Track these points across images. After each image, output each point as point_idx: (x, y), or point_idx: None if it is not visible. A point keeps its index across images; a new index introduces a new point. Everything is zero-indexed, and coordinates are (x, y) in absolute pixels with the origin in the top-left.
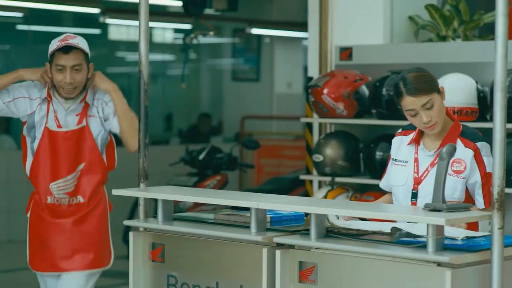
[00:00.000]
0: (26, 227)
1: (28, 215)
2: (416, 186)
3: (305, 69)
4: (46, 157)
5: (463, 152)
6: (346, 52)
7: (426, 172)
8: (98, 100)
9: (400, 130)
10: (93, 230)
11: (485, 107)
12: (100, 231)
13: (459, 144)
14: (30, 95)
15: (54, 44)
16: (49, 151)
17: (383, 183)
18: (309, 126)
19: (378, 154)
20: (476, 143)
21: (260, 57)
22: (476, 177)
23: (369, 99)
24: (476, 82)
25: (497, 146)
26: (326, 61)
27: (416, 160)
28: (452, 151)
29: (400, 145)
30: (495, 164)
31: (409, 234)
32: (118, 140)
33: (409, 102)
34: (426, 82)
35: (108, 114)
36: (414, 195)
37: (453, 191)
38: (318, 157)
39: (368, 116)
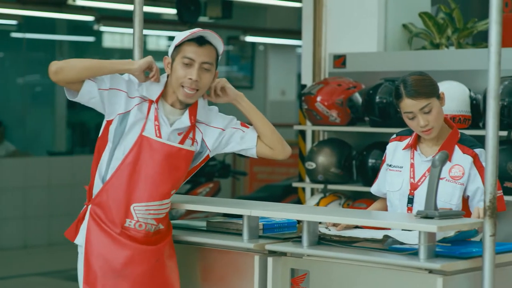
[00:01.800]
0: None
1: (78, 241)
2: (412, 191)
3: (299, 77)
4: (136, 170)
5: (462, 158)
6: (339, 60)
7: (424, 177)
8: (204, 126)
9: (394, 136)
10: (175, 264)
11: (478, 114)
12: (176, 265)
13: (457, 150)
14: (129, 91)
15: (184, 34)
16: (143, 164)
17: (374, 188)
18: (302, 133)
19: (371, 161)
20: (475, 150)
21: (254, 65)
22: (478, 184)
23: (362, 106)
24: (469, 90)
25: (490, 153)
26: (319, 68)
27: (412, 165)
28: (445, 158)
29: (395, 151)
30: (488, 172)
31: (397, 241)
32: None
33: (408, 104)
34: (426, 86)
35: (231, 137)
36: (410, 201)
37: (451, 197)
38: (311, 165)
39: (361, 123)
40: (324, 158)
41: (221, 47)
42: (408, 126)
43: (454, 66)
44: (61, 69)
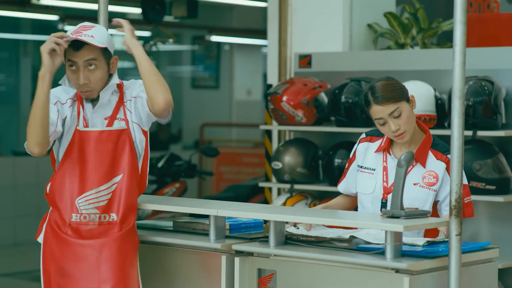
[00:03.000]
0: (39, 251)
1: (40, 240)
2: (385, 195)
3: (265, 77)
4: (74, 165)
5: (435, 165)
6: (305, 60)
7: None
8: (130, 101)
9: (364, 136)
10: (125, 259)
11: (443, 114)
12: (132, 261)
13: (431, 156)
14: (59, 98)
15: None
16: (78, 157)
17: (342, 187)
18: (269, 133)
19: (337, 161)
20: (448, 156)
21: (219, 65)
22: (449, 189)
23: (328, 106)
24: (434, 90)
25: (455, 153)
26: (285, 68)
27: (385, 169)
28: (410, 158)
29: (367, 152)
30: (453, 171)
31: (365, 242)
32: None
33: (376, 111)
34: (393, 91)
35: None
36: (384, 205)
37: (424, 203)
38: (277, 164)
39: (327, 123)
40: (290, 158)
41: (103, 40)
42: (381, 131)
43: (419, 66)
44: (28, 143)
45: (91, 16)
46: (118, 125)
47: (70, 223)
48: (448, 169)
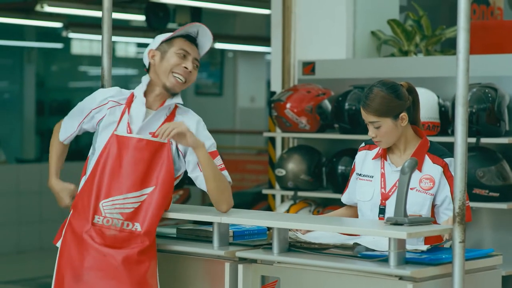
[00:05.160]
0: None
1: (59, 244)
2: (383, 201)
3: (268, 84)
4: (105, 168)
5: (432, 169)
6: (309, 67)
7: (394, 187)
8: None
9: (363, 144)
10: (146, 272)
11: (447, 121)
12: (153, 273)
13: (427, 160)
14: (102, 99)
15: (169, 34)
16: (111, 161)
17: (345, 198)
18: (272, 140)
19: (341, 168)
20: (445, 159)
21: (223, 72)
22: (446, 193)
23: (331, 113)
24: (438, 97)
25: (459, 160)
26: (289, 75)
27: (383, 175)
28: (414, 165)
29: (365, 160)
30: (457, 178)
31: (368, 249)
32: None
33: (362, 112)
34: (381, 104)
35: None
36: (382, 211)
37: (421, 207)
38: (281, 172)
39: (330, 130)
40: (294, 165)
41: (206, 48)
42: None
43: (422, 73)
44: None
45: (95, 23)
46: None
47: (93, 224)
48: (445, 172)
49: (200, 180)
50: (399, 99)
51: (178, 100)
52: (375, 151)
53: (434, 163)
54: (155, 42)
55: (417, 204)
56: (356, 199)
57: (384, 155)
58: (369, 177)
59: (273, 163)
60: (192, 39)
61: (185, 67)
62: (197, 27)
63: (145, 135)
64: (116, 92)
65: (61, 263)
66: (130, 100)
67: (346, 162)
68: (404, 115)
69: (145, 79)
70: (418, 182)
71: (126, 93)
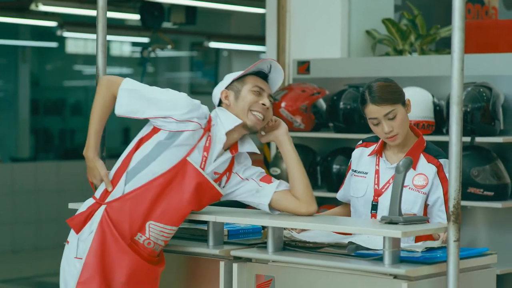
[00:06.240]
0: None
1: (84, 235)
2: (376, 198)
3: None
4: (166, 189)
5: (426, 167)
6: (303, 66)
7: (388, 184)
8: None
9: (360, 142)
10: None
11: (442, 120)
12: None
13: (422, 159)
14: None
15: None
16: (176, 186)
17: (340, 194)
18: None
19: (335, 167)
20: (439, 160)
21: (218, 71)
22: (439, 194)
23: (326, 112)
24: (433, 96)
25: (453, 159)
26: (283, 74)
27: (377, 171)
28: (409, 164)
29: (361, 157)
30: (451, 177)
31: (362, 247)
32: None
33: (372, 110)
34: (390, 93)
35: (247, 187)
36: (374, 207)
37: (413, 205)
38: (276, 170)
39: (325, 129)
40: None
41: (278, 83)
42: (374, 132)
43: (417, 72)
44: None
45: (90, 22)
46: (220, 187)
47: (132, 240)
48: (438, 173)
49: (263, 194)
50: (398, 85)
51: (251, 148)
52: (371, 148)
53: (428, 162)
54: (225, 81)
55: (409, 202)
56: (350, 195)
57: (380, 151)
58: (364, 173)
59: (268, 162)
60: (263, 76)
61: (263, 104)
62: (269, 62)
63: (211, 175)
64: (200, 113)
65: (92, 262)
66: (208, 127)
67: (340, 161)
68: (408, 100)
69: (232, 118)
70: (411, 180)
71: (205, 114)
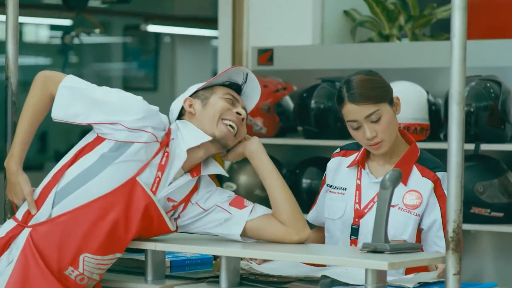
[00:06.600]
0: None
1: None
2: (357, 220)
3: (215, 75)
4: (107, 216)
5: (420, 183)
6: (265, 55)
7: (372, 203)
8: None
9: (338, 150)
10: None
11: (439, 123)
12: None
13: (416, 172)
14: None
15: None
16: (118, 212)
17: (311, 216)
18: None
19: (305, 181)
20: (437, 173)
21: (158, 61)
22: (436, 215)
23: (294, 113)
24: (427, 93)
25: (453, 172)
26: (240, 65)
27: (358, 187)
28: (398, 178)
29: (339, 168)
30: (451, 194)
31: (338, 282)
32: None
33: (351, 110)
34: (374, 89)
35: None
36: (355, 232)
37: (403, 229)
38: (231, 186)
39: (293, 134)
40: (246, 178)
41: (255, 99)
42: (354, 138)
43: (408, 63)
44: None
45: None
46: (172, 223)
47: (61, 274)
48: (435, 189)
49: (233, 223)
50: (384, 80)
51: (217, 170)
52: (351, 158)
53: (423, 176)
54: (188, 91)
55: (399, 226)
56: (324, 217)
57: (362, 162)
58: (342, 189)
59: (221, 176)
60: (236, 88)
61: (238, 113)
62: (243, 71)
63: (164, 202)
64: (157, 122)
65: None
66: (166, 141)
67: (312, 174)
68: (397, 98)
69: (197, 132)
70: (402, 198)
71: (164, 124)
